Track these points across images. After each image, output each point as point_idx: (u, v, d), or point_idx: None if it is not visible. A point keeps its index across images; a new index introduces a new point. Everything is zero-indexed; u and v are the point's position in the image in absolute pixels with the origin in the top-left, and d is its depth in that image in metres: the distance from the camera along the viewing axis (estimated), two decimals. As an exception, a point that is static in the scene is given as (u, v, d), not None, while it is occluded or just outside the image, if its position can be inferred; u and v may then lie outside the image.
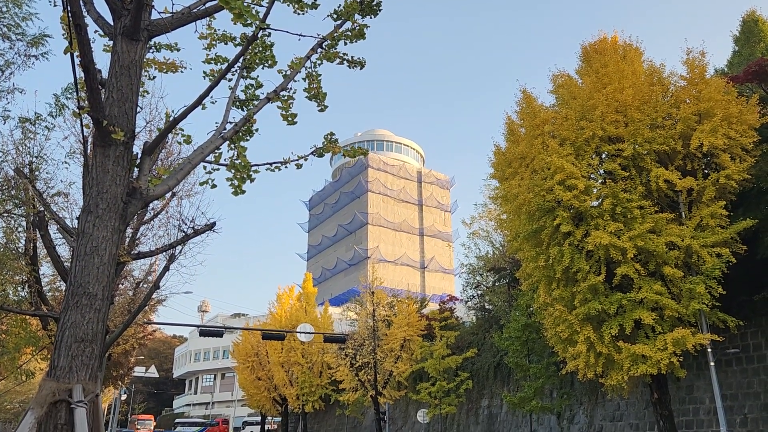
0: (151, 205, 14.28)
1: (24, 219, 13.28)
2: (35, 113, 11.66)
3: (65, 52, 6.39)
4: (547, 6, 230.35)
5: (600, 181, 17.43)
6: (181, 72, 7.94)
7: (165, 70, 7.84)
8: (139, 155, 6.79)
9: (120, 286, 19.52)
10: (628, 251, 15.04)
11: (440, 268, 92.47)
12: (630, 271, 15.18)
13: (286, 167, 7.70)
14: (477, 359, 32.04)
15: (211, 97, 7.05)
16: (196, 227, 11.71)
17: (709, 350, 15.73)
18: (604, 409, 23.14)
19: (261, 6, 7.00)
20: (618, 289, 15.86)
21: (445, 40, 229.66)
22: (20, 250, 13.64)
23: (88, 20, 6.46)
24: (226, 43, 7.80)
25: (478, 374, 31.71)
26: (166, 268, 14.05)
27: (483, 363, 31.69)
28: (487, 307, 36.71)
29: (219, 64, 7.76)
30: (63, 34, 6.68)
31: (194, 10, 7.10)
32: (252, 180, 7.39)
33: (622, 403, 22.22)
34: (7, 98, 10.75)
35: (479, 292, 37.42)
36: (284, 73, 7.58)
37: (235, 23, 6.38)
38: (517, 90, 21.73)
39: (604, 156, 17.50)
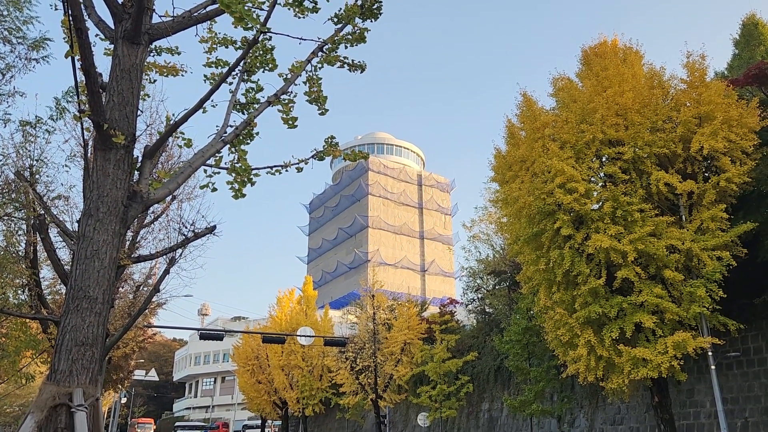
0: (151, 208, 14.26)
1: (24, 222, 13.27)
2: (36, 116, 11.68)
3: (66, 56, 6.40)
4: (547, 6, 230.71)
5: (600, 184, 17.43)
6: (182, 75, 7.94)
7: (166, 74, 7.84)
8: (140, 159, 6.79)
9: (120, 289, 19.51)
10: (628, 254, 15.04)
11: (440, 271, 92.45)
12: (630, 274, 15.17)
13: (286, 171, 7.72)
14: (477, 362, 32.00)
15: (212, 100, 7.06)
16: (196, 230, 11.73)
17: (710, 354, 15.71)
18: (605, 412, 23.10)
19: (262, 9, 7.01)
20: (618, 293, 15.85)
21: (445, 40, 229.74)
22: (20, 253, 13.62)
23: (89, 24, 6.46)
24: (226, 47, 7.82)
25: (478, 377, 31.66)
26: (167, 272, 14.05)
27: (483, 366, 31.65)
28: (487, 310, 36.65)
29: (220, 67, 7.77)
30: (64, 38, 6.67)
31: (195, 14, 7.11)
32: (252, 183, 7.40)
33: (622, 406, 22.18)
34: (7, 101, 10.76)
35: (480, 296, 37.36)
36: (285, 76, 7.59)
37: (236, 27, 6.38)
38: (517, 93, 21.76)
39: (604, 159, 17.50)
